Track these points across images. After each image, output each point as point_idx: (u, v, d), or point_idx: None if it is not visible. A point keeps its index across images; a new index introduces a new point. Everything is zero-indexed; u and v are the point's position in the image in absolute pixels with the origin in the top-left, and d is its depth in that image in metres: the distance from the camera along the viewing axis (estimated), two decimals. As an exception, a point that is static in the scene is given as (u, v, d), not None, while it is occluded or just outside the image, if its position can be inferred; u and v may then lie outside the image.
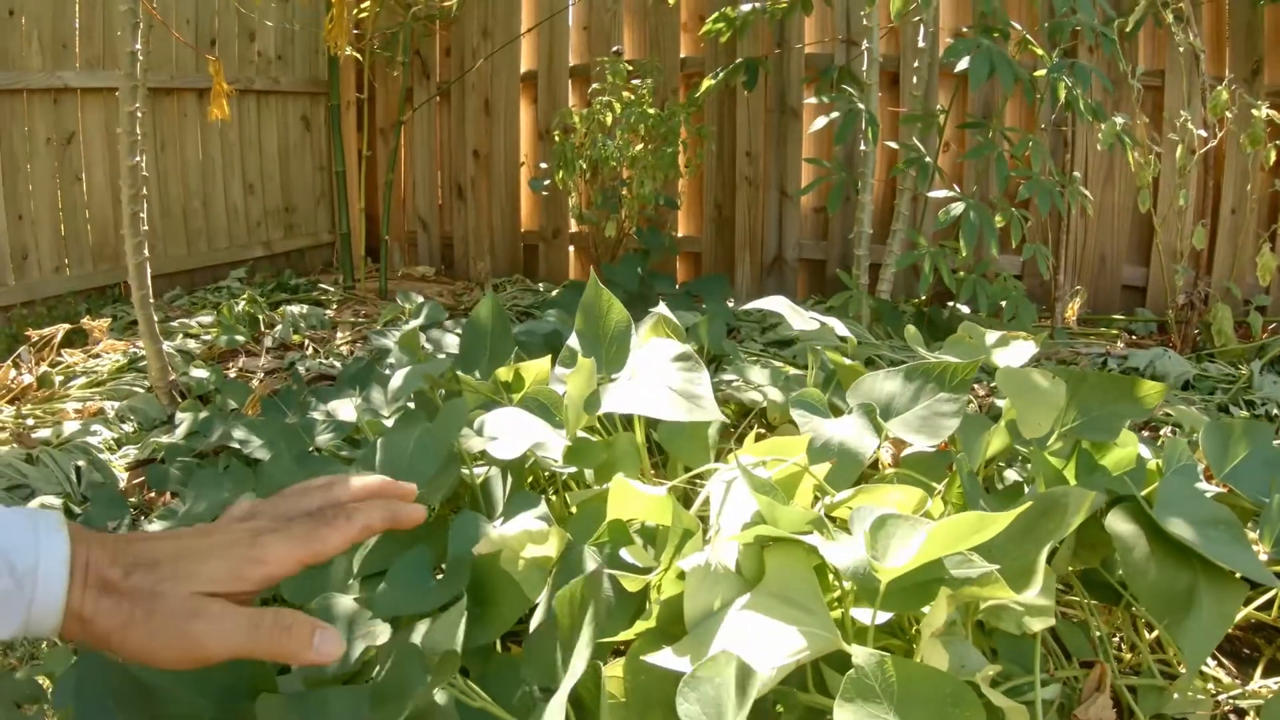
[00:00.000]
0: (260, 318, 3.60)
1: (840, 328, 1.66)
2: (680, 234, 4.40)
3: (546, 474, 1.61)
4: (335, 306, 3.98)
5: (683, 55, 4.29)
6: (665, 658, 1.02)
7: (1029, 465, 1.70)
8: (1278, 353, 3.43)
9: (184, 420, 2.51)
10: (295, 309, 3.68)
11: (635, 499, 1.15)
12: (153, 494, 2.28)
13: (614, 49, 3.89)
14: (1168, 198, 3.67)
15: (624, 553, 1.17)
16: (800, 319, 1.63)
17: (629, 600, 1.11)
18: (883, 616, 1.08)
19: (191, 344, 3.31)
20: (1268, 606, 1.66)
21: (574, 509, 1.40)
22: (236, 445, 2.18)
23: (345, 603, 1.28)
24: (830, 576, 1.10)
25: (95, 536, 0.76)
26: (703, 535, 1.09)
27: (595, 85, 3.85)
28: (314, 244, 4.85)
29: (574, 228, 4.40)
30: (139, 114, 2.56)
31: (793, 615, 1.01)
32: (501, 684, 1.14)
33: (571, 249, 4.56)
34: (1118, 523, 1.27)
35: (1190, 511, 1.32)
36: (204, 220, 4.30)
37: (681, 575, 1.02)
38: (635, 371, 1.40)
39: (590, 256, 4.27)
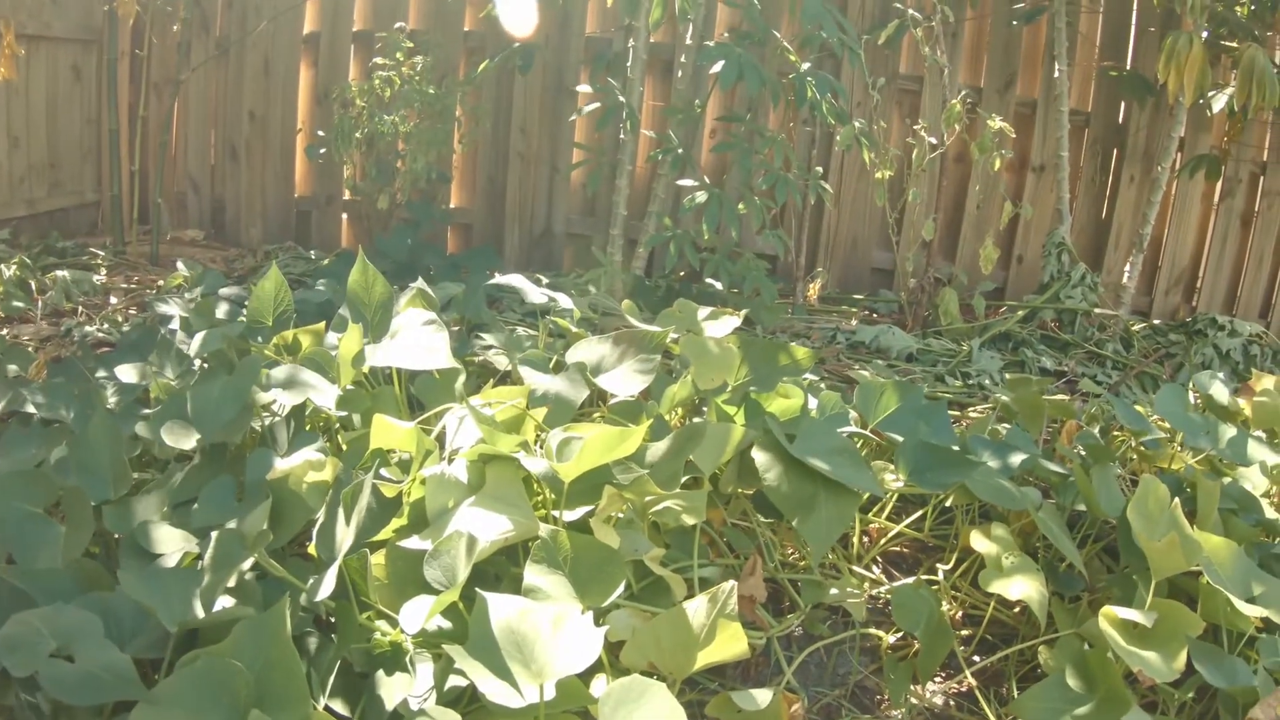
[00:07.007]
0: (32, 283, 3.85)
1: (566, 301, 2.22)
2: (453, 205, 4.85)
3: (322, 422, 2.10)
4: (106, 272, 4.23)
5: (466, 29, 4.70)
6: (414, 542, 1.54)
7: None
8: (996, 332, 4.23)
9: (-33, 389, 2.81)
10: (66, 274, 3.94)
11: (391, 432, 1.65)
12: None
13: (397, 25, 4.31)
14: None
15: (383, 471, 1.68)
16: (535, 293, 2.18)
17: (387, 506, 1.62)
18: (571, 515, 1.63)
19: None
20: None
21: (345, 446, 1.90)
22: (31, 410, 2.51)
23: (161, 527, 1.75)
24: (535, 486, 1.64)
25: None
26: (439, 455, 1.61)
27: (377, 60, 4.26)
28: (79, 203, 4.90)
29: (347, 195, 4.75)
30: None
31: (505, 510, 1.55)
32: (294, 573, 1.63)
33: (345, 216, 4.91)
34: (758, 452, 1.87)
35: (821, 444, 1.94)
36: (-35, 176, 4.39)
37: (424, 482, 1.54)
38: (394, 334, 1.91)
39: (362, 226, 4.66)
